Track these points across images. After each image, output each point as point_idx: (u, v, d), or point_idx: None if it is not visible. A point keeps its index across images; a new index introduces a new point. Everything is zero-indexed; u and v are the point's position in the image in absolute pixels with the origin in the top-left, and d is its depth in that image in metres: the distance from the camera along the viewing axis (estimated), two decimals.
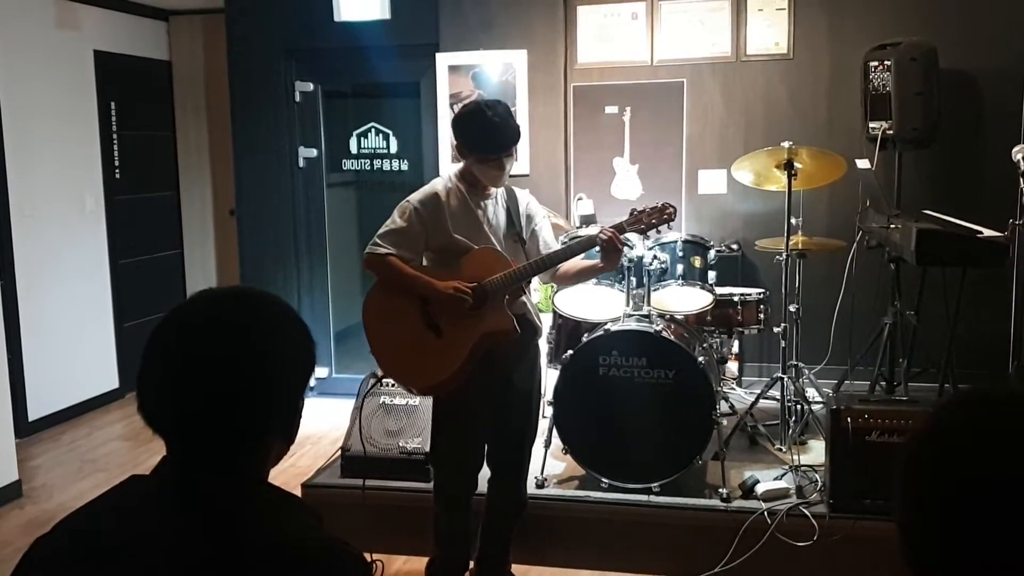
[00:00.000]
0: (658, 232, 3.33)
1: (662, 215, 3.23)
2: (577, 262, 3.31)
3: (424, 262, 3.24)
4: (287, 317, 1.33)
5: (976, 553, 0.94)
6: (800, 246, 4.43)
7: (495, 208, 3.26)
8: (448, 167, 5.28)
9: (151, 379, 1.25)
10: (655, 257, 4.02)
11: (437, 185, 3.24)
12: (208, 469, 1.23)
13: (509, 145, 3.15)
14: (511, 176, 3.32)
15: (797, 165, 4.24)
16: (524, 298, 3.28)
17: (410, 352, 3.16)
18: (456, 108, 3.32)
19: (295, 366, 1.31)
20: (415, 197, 3.21)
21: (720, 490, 3.75)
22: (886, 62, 4.66)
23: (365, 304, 3.23)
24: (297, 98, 6.17)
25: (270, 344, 1.27)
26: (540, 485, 3.90)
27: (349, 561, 1.21)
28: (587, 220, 5.23)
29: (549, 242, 3.34)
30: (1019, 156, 3.98)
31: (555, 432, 3.90)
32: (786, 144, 4.23)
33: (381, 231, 3.18)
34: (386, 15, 5.58)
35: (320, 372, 6.09)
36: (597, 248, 3.18)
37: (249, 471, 1.26)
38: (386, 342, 3.19)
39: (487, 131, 3.11)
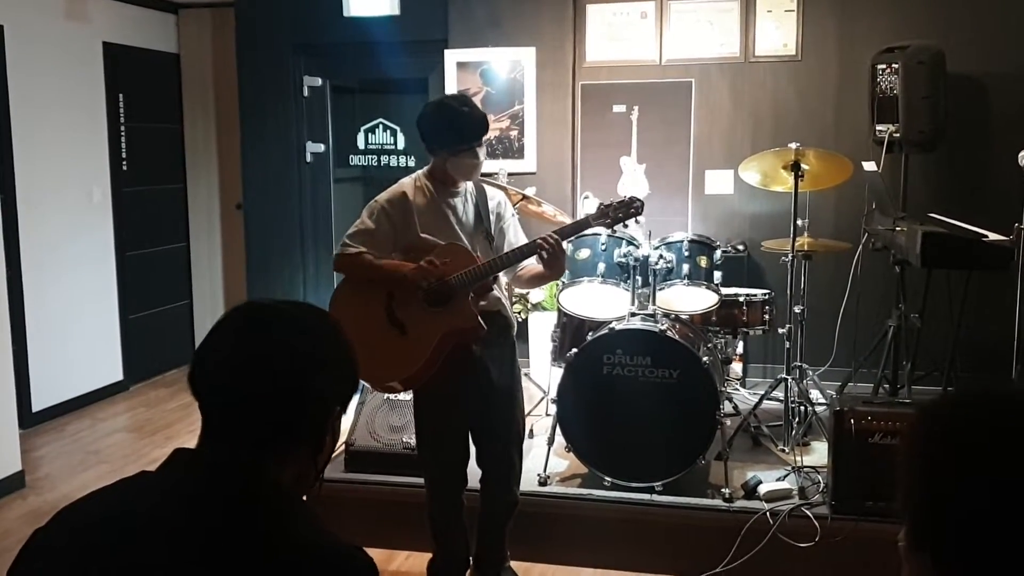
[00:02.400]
0: (625, 226, 3.33)
1: (629, 209, 3.22)
2: (534, 267, 3.28)
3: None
4: (341, 337, 1.40)
5: (970, 539, 1.00)
6: (806, 247, 4.43)
7: (464, 205, 3.26)
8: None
9: (204, 353, 1.32)
10: (661, 256, 4.03)
11: (405, 184, 3.24)
12: (229, 461, 1.26)
13: (481, 133, 3.15)
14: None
15: (804, 166, 4.24)
16: (498, 294, 3.26)
17: (374, 349, 3.12)
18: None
19: (334, 381, 1.36)
20: (383, 197, 3.22)
21: (723, 490, 3.75)
22: (894, 65, 4.66)
23: (331, 301, 3.25)
24: (305, 93, 6.18)
25: (316, 353, 1.34)
26: (543, 483, 3.91)
27: (360, 565, 1.23)
28: None
29: (513, 243, 3.32)
30: None
31: (558, 430, 3.90)
32: (793, 145, 4.23)
33: (350, 231, 3.20)
34: (395, 11, 5.59)
35: None
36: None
37: (267, 472, 1.28)
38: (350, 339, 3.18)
39: (458, 122, 3.11)
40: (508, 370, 3.31)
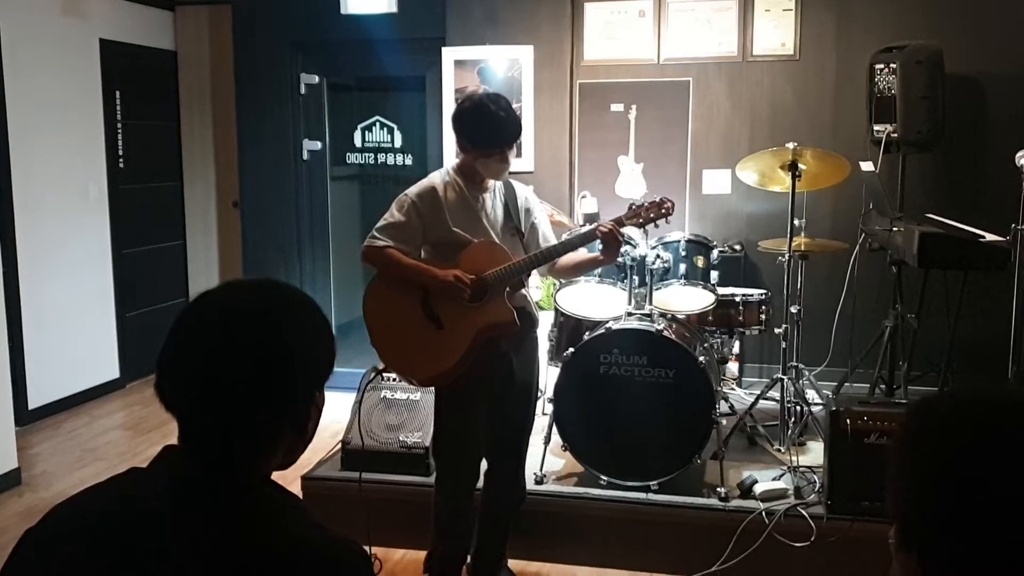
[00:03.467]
0: (656, 226, 3.35)
1: (660, 209, 3.26)
2: (577, 255, 3.34)
3: (422, 255, 3.26)
4: (309, 311, 1.35)
5: (955, 539, 1.00)
6: (803, 247, 4.43)
7: (492, 202, 3.27)
8: (451, 162, 5.32)
9: (171, 359, 1.27)
10: (658, 256, 4.03)
11: (435, 179, 3.25)
12: (216, 458, 1.24)
13: (513, 138, 3.17)
14: (510, 174, 3.33)
15: (801, 166, 4.24)
16: (524, 291, 3.30)
17: (410, 344, 3.17)
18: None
19: (314, 359, 1.33)
20: (413, 191, 3.22)
21: (718, 489, 3.75)
22: (892, 65, 4.66)
23: (366, 295, 3.25)
24: (302, 90, 6.17)
25: (289, 336, 1.29)
26: (539, 482, 3.91)
27: (354, 558, 1.22)
28: (591, 218, 5.24)
29: (548, 235, 3.36)
30: (1022, 160, 3.98)
31: (555, 429, 3.90)
32: (791, 145, 4.22)
33: (379, 224, 3.20)
34: (393, 9, 5.59)
35: None
36: (599, 240, 3.21)
37: (256, 464, 1.27)
38: (387, 333, 3.21)
39: (492, 125, 3.12)
40: (529, 365, 3.35)
